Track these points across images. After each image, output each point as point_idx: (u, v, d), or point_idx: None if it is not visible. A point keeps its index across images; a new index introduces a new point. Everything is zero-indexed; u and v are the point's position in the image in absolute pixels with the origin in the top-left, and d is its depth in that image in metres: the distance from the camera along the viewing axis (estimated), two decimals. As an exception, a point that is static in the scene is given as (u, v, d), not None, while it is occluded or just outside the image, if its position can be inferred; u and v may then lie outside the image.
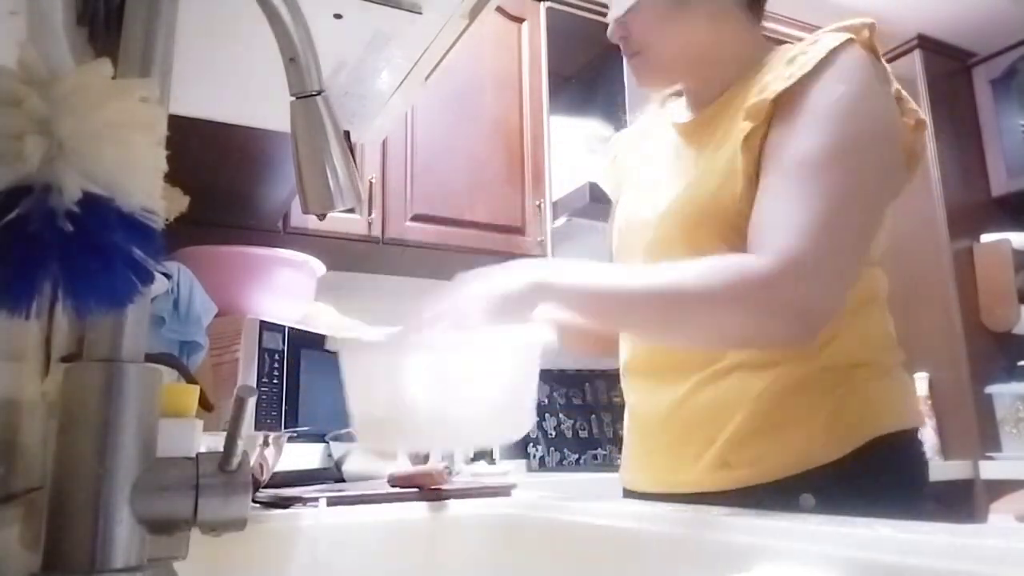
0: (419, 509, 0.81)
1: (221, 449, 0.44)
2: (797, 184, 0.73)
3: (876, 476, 0.77)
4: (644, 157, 0.99)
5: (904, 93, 0.83)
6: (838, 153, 0.73)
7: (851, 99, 0.75)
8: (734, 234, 0.77)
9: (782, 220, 0.72)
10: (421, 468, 1.49)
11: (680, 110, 0.97)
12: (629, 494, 0.93)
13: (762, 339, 0.73)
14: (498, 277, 0.75)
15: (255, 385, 1.46)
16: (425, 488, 0.89)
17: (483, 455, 2.01)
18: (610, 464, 2.24)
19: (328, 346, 0.68)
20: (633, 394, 0.93)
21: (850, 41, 0.78)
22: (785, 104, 0.77)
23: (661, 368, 0.86)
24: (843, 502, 0.68)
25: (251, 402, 0.46)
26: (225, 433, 0.44)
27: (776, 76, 0.79)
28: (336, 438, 1.62)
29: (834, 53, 0.77)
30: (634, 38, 0.89)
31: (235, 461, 0.45)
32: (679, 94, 1.00)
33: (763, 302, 0.70)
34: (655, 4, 0.86)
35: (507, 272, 0.76)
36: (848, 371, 0.79)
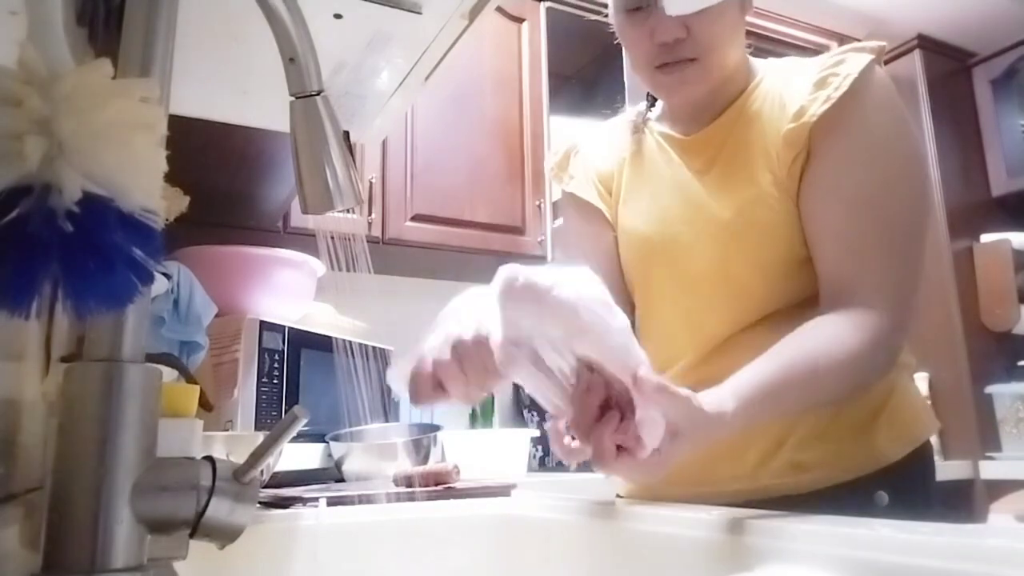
0: (419, 509, 0.81)
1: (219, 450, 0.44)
2: (863, 224, 0.75)
3: (930, 474, 0.82)
4: (634, 170, 0.93)
5: None
6: (894, 185, 0.76)
7: (895, 127, 0.77)
8: (778, 254, 0.79)
9: (877, 271, 0.74)
10: (430, 467, 1.49)
11: (665, 124, 0.92)
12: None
13: (870, 386, 0.76)
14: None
15: (255, 385, 1.46)
16: (436, 486, 0.89)
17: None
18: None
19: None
20: None
21: (873, 63, 0.78)
22: (826, 131, 0.76)
23: (704, 381, 0.80)
24: (910, 499, 0.74)
25: (300, 423, 0.46)
26: (225, 433, 0.43)
27: (807, 99, 0.77)
28: (336, 438, 1.62)
29: (864, 75, 0.76)
30: (697, 41, 0.79)
31: (252, 474, 0.45)
32: (652, 105, 0.96)
33: (887, 354, 0.74)
34: (730, 8, 0.80)
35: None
36: (896, 372, 0.81)
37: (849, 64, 0.77)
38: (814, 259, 0.78)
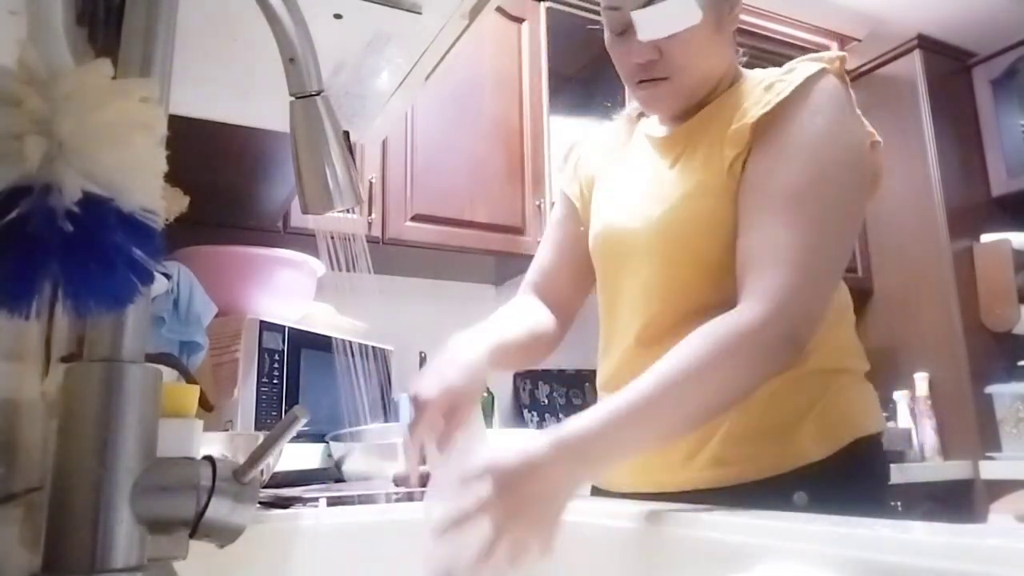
0: (419, 509, 0.81)
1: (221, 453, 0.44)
2: (780, 219, 0.76)
3: (857, 475, 0.82)
4: (618, 165, 0.99)
5: (861, 115, 0.86)
6: (818, 185, 0.77)
7: (828, 131, 0.79)
8: (715, 246, 0.81)
9: (770, 258, 0.75)
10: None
11: (652, 122, 0.98)
12: (602, 494, 0.93)
13: (769, 377, 0.75)
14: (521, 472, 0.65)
15: (255, 385, 1.46)
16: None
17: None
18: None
19: None
20: None
21: (823, 71, 0.82)
22: (764, 131, 0.80)
23: (645, 369, 0.85)
24: (831, 499, 0.73)
25: (300, 423, 0.46)
26: (225, 433, 0.44)
27: (754, 102, 0.82)
28: (336, 438, 1.62)
29: (810, 82, 0.80)
30: (669, 63, 0.86)
31: (252, 474, 0.45)
32: None
33: (765, 348, 0.73)
34: (700, 31, 0.84)
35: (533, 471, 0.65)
36: (832, 375, 0.84)
37: (797, 72, 0.82)
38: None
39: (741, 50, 0.97)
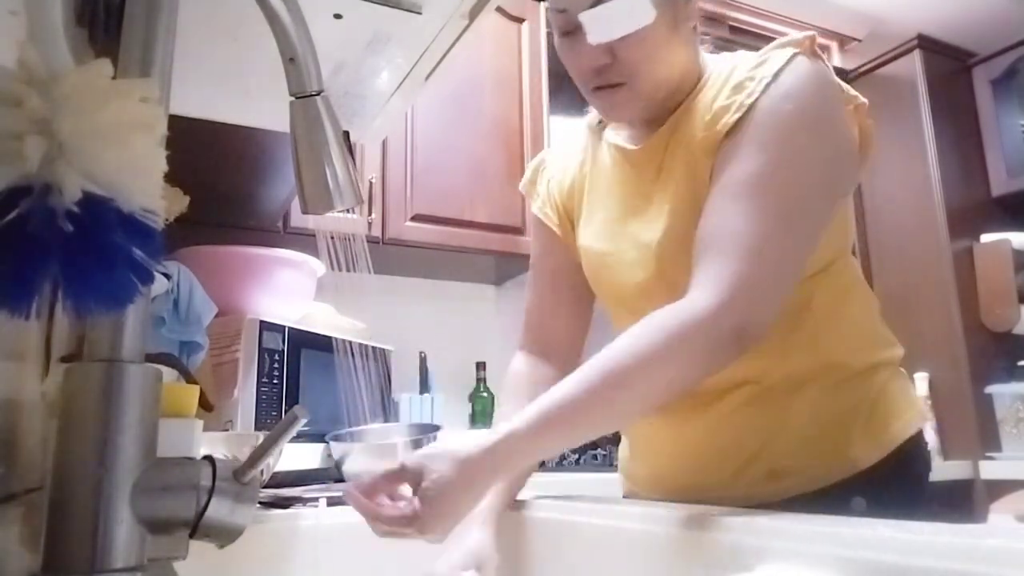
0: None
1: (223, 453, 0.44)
2: (739, 206, 0.73)
3: (909, 475, 0.82)
4: (596, 183, 0.93)
5: (842, 85, 0.82)
6: (778, 171, 0.73)
7: (796, 115, 0.75)
8: None
9: (724, 245, 0.72)
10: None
11: (619, 132, 0.92)
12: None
13: (712, 372, 0.72)
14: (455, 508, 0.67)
15: (255, 385, 1.46)
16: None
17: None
18: (610, 464, 2.24)
19: None
20: (645, 426, 0.90)
21: (794, 55, 0.77)
22: (733, 135, 0.76)
23: (676, 405, 0.81)
24: (887, 502, 0.73)
25: (300, 423, 0.46)
26: (225, 433, 0.44)
27: (724, 104, 0.77)
28: (336, 438, 1.62)
29: (780, 74, 0.76)
30: (623, 67, 0.80)
31: (252, 474, 0.45)
32: None
33: (713, 342, 0.69)
34: (655, 30, 0.78)
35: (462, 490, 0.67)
36: (869, 375, 0.82)
37: (768, 65, 0.77)
38: None
39: (707, 38, 0.91)
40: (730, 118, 0.76)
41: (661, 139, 0.85)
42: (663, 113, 0.85)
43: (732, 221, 0.72)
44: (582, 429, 0.70)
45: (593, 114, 0.98)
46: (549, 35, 2.41)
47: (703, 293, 0.70)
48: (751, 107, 0.75)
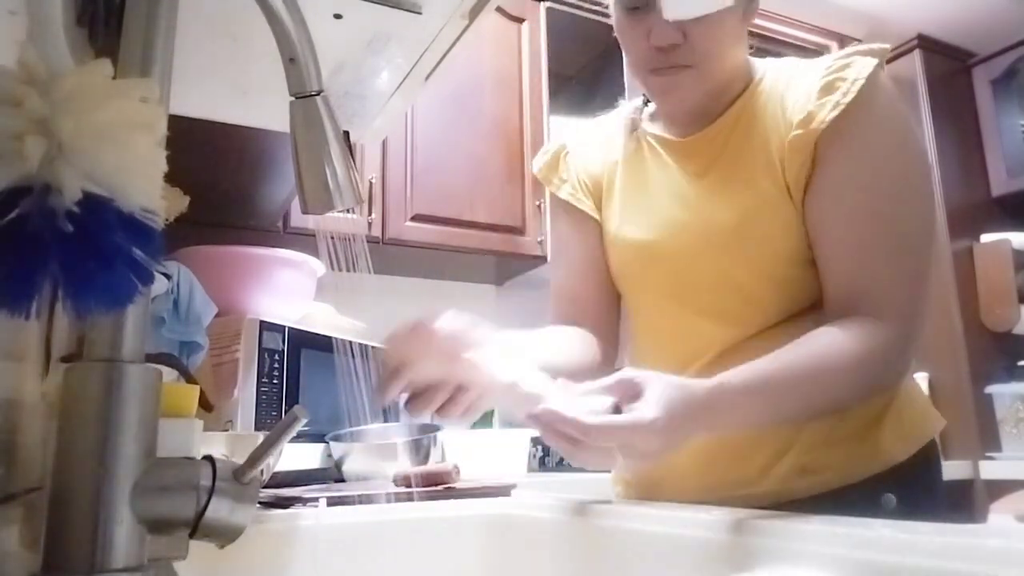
0: (419, 509, 0.81)
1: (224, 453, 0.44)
2: (881, 236, 0.74)
3: (934, 472, 0.83)
4: (630, 172, 0.91)
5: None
6: (905, 194, 0.75)
7: (902, 135, 0.76)
8: (775, 261, 0.78)
9: (885, 281, 0.74)
10: (431, 467, 1.49)
11: (658, 123, 0.90)
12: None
13: (882, 391, 0.77)
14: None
15: (255, 385, 1.46)
16: (436, 486, 0.89)
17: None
18: (610, 464, 2.24)
19: None
20: None
21: (879, 67, 0.76)
22: (833, 138, 0.75)
23: None
24: (916, 499, 0.74)
25: (300, 423, 0.46)
26: (225, 433, 0.44)
27: (814, 104, 0.76)
28: (336, 438, 1.62)
29: (872, 81, 0.75)
30: (693, 49, 0.77)
31: (252, 474, 0.45)
32: (647, 103, 0.94)
33: (895, 365, 0.75)
34: (730, 17, 0.77)
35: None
36: None
37: (856, 68, 0.75)
38: (820, 268, 0.78)
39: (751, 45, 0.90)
40: (827, 115, 0.74)
41: (719, 132, 0.83)
42: (714, 106, 0.83)
43: (881, 246, 0.74)
44: (768, 412, 0.69)
45: (631, 107, 0.95)
46: (549, 35, 2.42)
47: (886, 327, 0.71)
48: (848, 112, 0.74)
